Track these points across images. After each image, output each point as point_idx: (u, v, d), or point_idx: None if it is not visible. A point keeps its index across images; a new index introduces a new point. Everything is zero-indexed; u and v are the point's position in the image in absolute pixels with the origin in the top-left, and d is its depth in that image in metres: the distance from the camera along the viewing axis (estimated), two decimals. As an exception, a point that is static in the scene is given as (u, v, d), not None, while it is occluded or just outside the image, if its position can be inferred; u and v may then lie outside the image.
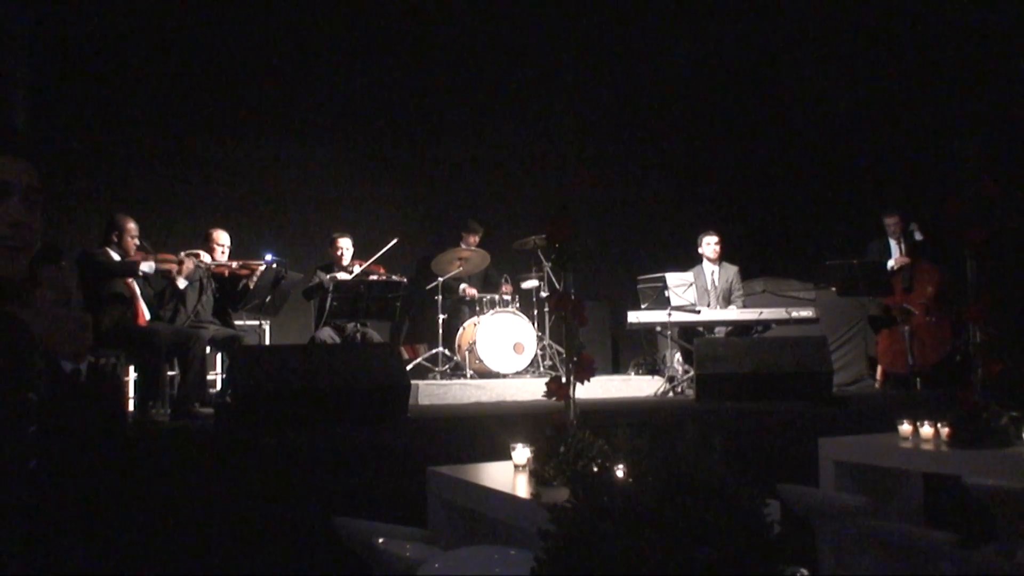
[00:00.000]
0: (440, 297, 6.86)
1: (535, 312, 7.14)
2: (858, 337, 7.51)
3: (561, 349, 6.50)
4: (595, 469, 2.15)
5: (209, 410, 5.12)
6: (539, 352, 6.93)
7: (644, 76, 8.82)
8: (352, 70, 8.00)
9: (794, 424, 4.77)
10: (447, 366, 6.84)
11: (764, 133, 8.95)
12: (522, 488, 2.30)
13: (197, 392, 5.26)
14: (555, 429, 2.43)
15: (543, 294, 7.12)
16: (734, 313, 6.68)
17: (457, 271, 7.03)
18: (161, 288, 5.38)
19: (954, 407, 3.03)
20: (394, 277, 6.25)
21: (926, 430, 3.14)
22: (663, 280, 6.52)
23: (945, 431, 3.04)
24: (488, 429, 3.98)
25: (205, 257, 5.55)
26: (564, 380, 2.51)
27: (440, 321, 6.86)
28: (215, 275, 5.60)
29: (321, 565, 3.37)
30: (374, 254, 6.46)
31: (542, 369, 6.94)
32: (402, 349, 6.49)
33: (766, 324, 6.52)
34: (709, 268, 6.95)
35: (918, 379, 6.63)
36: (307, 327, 6.44)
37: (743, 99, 9.03)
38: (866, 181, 8.29)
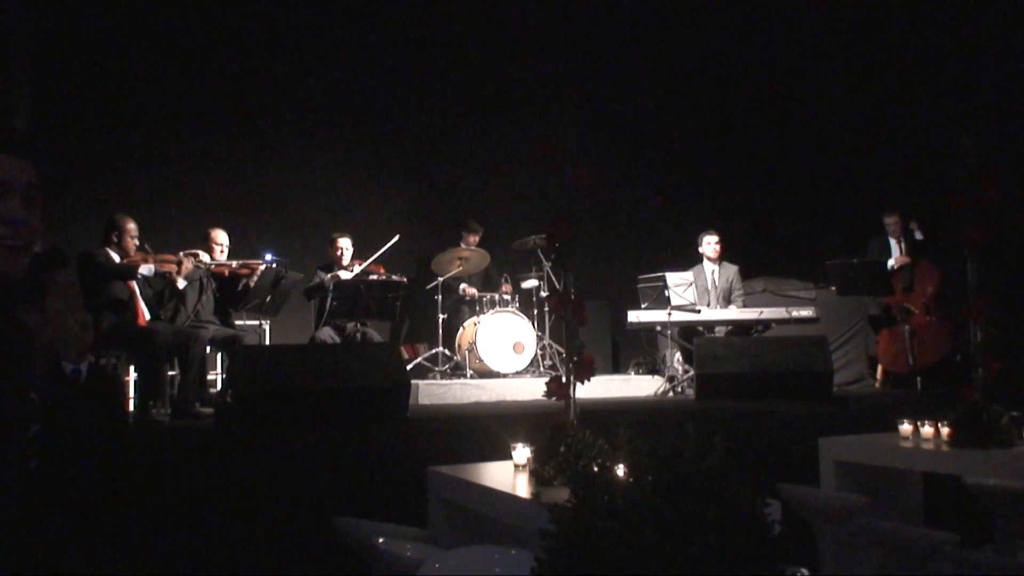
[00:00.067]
0: (440, 297, 6.86)
1: (535, 312, 7.14)
2: (858, 337, 7.51)
3: (561, 349, 6.50)
4: (595, 469, 2.15)
5: (209, 410, 5.12)
6: (539, 352, 6.93)
7: (644, 76, 8.82)
8: (352, 70, 8.00)
9: (794, 424, 4.77)
10: (447, 366, 6.84)
11: (764, 133, 8.94)
12: (522, 488, 2.30)
13: (197, 392, 5.26)
14: (555, 429, 2.43)
15: (543, 294, 7.12)
16: (734, 313, 6.68)
17: (457, 271, 7.03)
18: (160, 288, 5.38)
19: (955, 407, 3.04)
20: (394, 277, 6.25)
21: (926, 430, 3.14)
22: (663, 280, 6.52)
23: (945, 431, 3.04)
24: (488, 429, 3.98)
25: (205, 257, 5.54)
26: (564, 380, 2.51)
27: (440, 321, 6.86)
28: (215, 275, 5.60)
29: (321, 565, 3.38)
30: (374, 254, 6.46)
31: (542, 369, 6.94)
32: (402, 349, 6.48)
33: (766, 324, 6.52)
34: (709, 267, 6.95)
35: (918, 379, 6.62)
36: (307, 327, 6.44)
37: (743, 99, 9.03)
38: (866, 180, 8.29)
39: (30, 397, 1.33)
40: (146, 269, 5.13)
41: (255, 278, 5.58)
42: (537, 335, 6.89)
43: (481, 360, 6.62)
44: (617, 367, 8.31)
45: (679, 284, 6.53)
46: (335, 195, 7.84)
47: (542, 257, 7.06)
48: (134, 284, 5.21)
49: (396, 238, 6.53)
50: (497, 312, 6.76)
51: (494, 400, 6.09)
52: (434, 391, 6.03)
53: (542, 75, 8.36)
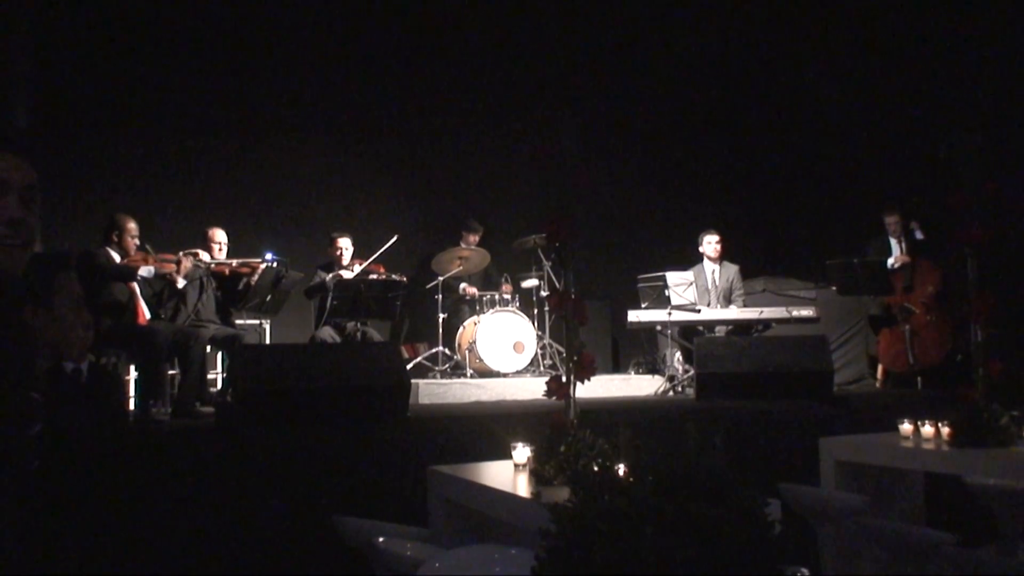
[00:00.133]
0: (440, 296, 6.87)
1: (535, 311, 7.14)
2: (859, 336, 7.51)
3: (561, 348, 6.50)
4: (595, 468, 2.15)
5: (210, 409, 5.12)
6: (539, 351, 6.93)
7: (645, 76, 8.81)
8: (352, 70, 8.00)
9: (794, 424, 4.77)
10: (447, 365, 6.84)
11: (765, 132, 8.94)
12: (522, 487, 2.30)
13: (198, 391, 5.26)
14: (555, 428, 2.43)
15: (543, 293, 7.12)
16: (734, 312, 6.68)
17: (457, 270, 7.03)
18: (161, 287, 5.38)
19: (955, 406, 3.03)
20: (394, 276, 6.25)
21: (927, 429, 3.14)
22: (663, 279, 6.52)
23: (946, 431, 3.04)
24: (488, 428, 3.98)
25: (205, 256, 5.54)
26: (564, 379, 2.51)
27: (440, 320, 6.86)
28: (215, 274, 5.60)
29: (321, 565, 3.38)
30: (374, 253, 6.46)
31: (542, 368, 6.94)
32: (402, 348, 6.49)
33: (766, 323, 6.51)
34: (709, 267, 6.94)
35: (919, 378, 6.62)
36: (307, 326, 6.45)
37: (744, 98, 9.03)
38: (866, 180, 8.28)
39: (32, 396, 1.33)
40: (146, 271, 5.13)
41: (255, 277, 5.59)
42: (537, 334, 6.89)
43: (481, 359, 6.62)
44: (617, 367, 8.31)
45: (679, 284, 6.52)
46: (335, 195, 7.84)
47: (542, 256, 7.06)
48: (134, 284, 5.21)
49: (395, 238, 6.53)
50: (497, 311, 6.76)
51: (494, 400, 6.09)
52: (434, 390, 6.03)
53: (542, 75, 8.35)
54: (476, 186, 8.31)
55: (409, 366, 6.14)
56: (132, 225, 5.25)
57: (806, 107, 8.71)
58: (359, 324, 6.19)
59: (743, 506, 1.14)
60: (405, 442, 4.07)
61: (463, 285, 7.21)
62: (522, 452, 2.56)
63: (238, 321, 5.91)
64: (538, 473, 2.38)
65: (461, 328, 6.88)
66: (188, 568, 3.32)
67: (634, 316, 6.51)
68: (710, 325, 6.66)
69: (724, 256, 6.99)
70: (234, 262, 5.65)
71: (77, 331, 1.44)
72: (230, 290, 5.68)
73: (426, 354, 6.99)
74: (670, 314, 6.43)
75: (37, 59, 6.56)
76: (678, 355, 6.76)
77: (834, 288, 6.86)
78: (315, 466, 3.76)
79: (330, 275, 6.26)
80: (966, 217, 3.03)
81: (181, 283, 5.31)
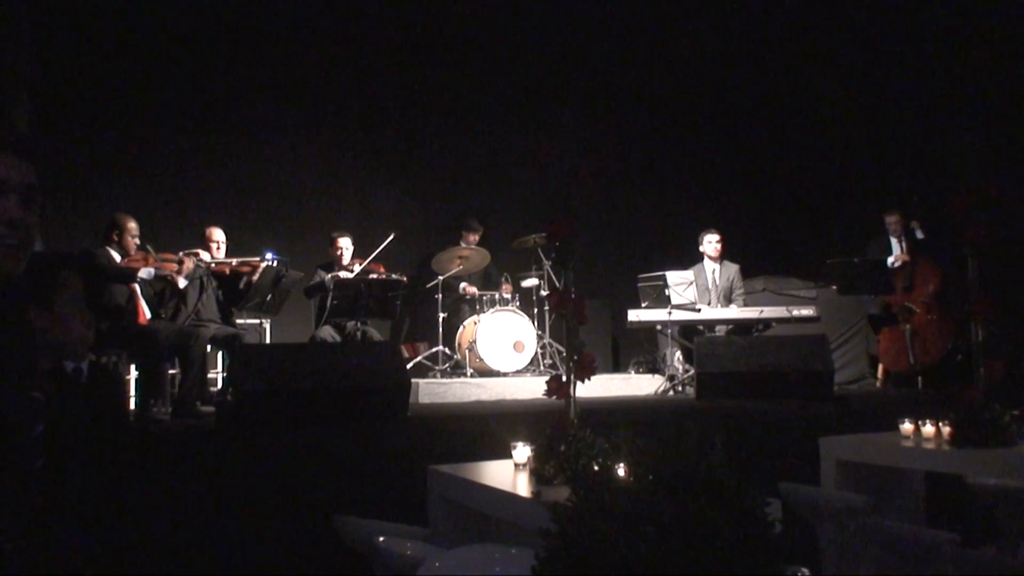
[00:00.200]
0: (440, 295, 6.87)
1: (535, 311, 7.14)
2: (859, 336, 7.51)
3: (561, 348, 6.50)
4: (596, 468, 2.15)
5: (210, 409, 5.12)
6: (539, 351, 6.93)
7: (645, 75, 8.80)
8: (352, 70, 8.00)
9: (794, 424, 4.77)
10: (447, 365, 6.84)
11: (765, 131, 8.94)
12: (523, 487, 2.30)
13: (198, 391, 5.27)
14: (555, 428, 2.43)
15: (543, 292, 7.12)
16: (735, 312, 6.67)
17: (457, 269, 7.03)
18: (161, 287, 5.38)
19: (956, 406, 3.03)
20: (394, 276, 6.25)
21: (928, 429, 3.13)
22: (663, 278, 6.52)
23: (947, 430, 3.04)
24: (488, 428, 3.99)
25: (205, 256, 5.55)
26: (564, 379, 2.51)
27: (440, 320, 6.86)
28: (216, 273, 5.60)
29: (321, 565, 3.38)
30: (373, 252, 6.46)
31: (542, 368, 6.94)
32: (402, 348, 6.49)
33: (767, 323, 6.51)
34: (710, 266, 6.94)
35: (919, 378, 6.62)
36: (307, 326, 6.45)
37: (744, 98, 9.02)
38: (866, 180, 8.29)
39: (34, 396, 1.33)
40: (146, 273, 5.13)
41: (256, 276, 5.59)
42: (537, 334, 6.89)
43: (481, 359, 6.62)
44: (617, 366, 8.31)
45: (679, 283, 6.52)
46: (335, 195, 7.85)
47: (542, 256, 7.06)
48: (135, 284, 5.21)
49: (392, 236, 6.53)
50: (497, 311, 6.76)
51: (494, 399, 6.09)
52: (434, 390, 6.03)
53: (542, 75, 8.35)
54: (476, 186, 8.31)
55: (409, 365, 6.14)
56: (132, 225, 5.25)
57: (806, 107, 8.71)
58: (359, 324, 6.19)
59: (743, 506, 1.14)
60: (405, 442, 4.07)
61: (463, 284, 7.21)
62: (522, 452, 2.56)
63: (238, 321, 5.91)
64: (538, 473, 2.38)
65: (461, 328, 6.88)
66: (188, 568, 3.32)
67: (634, 315, 6.51)
68: (710, 324, 6.66)
69: (724, 255, 6.99)
70: (234, 261, 5.65)
71: (78, 330, 1.45)
72: (231, 289, 5.68)
73: (426, 353, 6.99)
74: (670, 313, 6.42)
75: (37, 59, 6.56)
76: (678, 354, 6.76)
77: (834, 288, 6.86)
78: (315, 466, 3.77)
79: (330, 275, 6.26)
80: (966, 217, 3.03)
81: (182, 283, 5.32)
